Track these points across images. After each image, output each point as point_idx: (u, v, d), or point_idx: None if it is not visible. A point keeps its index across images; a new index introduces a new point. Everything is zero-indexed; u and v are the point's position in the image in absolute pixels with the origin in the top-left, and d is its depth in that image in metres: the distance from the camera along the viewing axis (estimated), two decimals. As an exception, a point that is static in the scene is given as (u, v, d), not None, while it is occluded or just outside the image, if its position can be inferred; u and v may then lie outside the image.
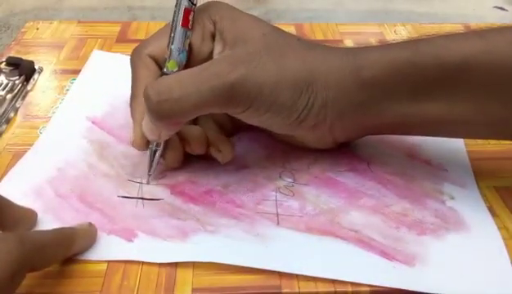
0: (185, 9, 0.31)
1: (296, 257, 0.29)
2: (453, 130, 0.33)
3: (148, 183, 0.33)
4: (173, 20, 0.31)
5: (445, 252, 0.30)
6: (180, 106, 0.28)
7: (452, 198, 0.33)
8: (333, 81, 0.30)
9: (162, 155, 0.33)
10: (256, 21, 0.32)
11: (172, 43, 0.31)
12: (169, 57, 0.31)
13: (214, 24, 0.32)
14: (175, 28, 0.31)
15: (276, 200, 0.33)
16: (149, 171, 0.33)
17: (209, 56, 0.32)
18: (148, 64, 0.32)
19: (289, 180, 0.34)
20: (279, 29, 0.32)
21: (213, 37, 0.32)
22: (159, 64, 0.32)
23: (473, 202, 0.33)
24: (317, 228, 0.31)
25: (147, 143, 0.32)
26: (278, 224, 0.31)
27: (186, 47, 0.31)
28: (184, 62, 0.31)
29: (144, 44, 0.33)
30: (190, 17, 0.31)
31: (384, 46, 0.31)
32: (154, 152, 0.32)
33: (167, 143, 0.32)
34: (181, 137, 0.33)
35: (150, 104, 0.28)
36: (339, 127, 0.32)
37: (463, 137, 0.36)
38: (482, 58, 0.28)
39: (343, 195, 0.33)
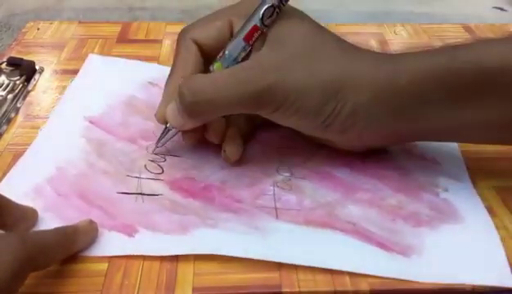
0: (253, 25, 0.31)
1: (295, 248, 0.29)
2: (488, 135, 0.32)
3: (152, 152, 0.35)
4: (244, 25, 0.31)
5: (440, 243, 0.30)
6: (212, 107, 0.30)
7: (446, 190, 0.34)
8: (366, 86, 0.30)
9: (181, 132, 0.34)
10: (300, 20, 0.32)
11: (230, 49, 0.31)
12: (220, 58, 0.32)
13: None
14: (237, 37, 0.31)
15: (274, 194, 0.33)
16: (157, 142, 0.35)
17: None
18: (189, 46, 0.33)
19: (287, 174, 0.35)
20: (320, 29, 0.32)
21: None
22: (201, 48, 0.33)
23: (466, 193, 0.34)
24: (315, 220, 0.31)
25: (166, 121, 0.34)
26: (277, 217, 0.31)
27: (239, 59, 0.31)
28: None
29: (190, 27, 0.34)
30: (255, 35, 0.31)
31: (421, 52, 0.31)
32: (170, 129, 0.34)
33: None
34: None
35: (184, 102, 0.30)
36: (369, 134, 0.32)
37: (496, 143, 0.35)
38: None
39: (340, 189, 0.34)
